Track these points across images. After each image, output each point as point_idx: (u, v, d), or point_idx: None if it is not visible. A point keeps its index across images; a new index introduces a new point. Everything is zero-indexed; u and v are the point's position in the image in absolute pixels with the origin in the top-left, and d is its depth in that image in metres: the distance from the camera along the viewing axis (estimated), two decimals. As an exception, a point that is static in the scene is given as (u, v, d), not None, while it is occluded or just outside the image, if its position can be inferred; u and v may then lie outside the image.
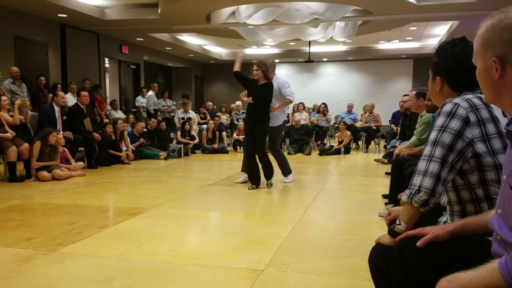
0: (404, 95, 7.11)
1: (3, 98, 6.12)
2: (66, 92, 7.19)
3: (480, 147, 1.36)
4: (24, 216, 3.83)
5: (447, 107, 1.42)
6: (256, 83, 5.20)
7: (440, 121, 1.41)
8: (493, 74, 1.03)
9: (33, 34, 8.60)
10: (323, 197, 4.78)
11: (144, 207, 4.16)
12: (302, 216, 3.85)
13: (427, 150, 1.42)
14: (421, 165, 1.41)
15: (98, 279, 2.40)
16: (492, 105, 1.39)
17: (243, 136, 8.53)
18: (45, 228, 3.40)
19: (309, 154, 9.41)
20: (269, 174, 5.35)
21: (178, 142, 9.35)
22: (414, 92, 4.55)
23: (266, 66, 5.24)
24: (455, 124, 1.38)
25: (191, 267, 2.59)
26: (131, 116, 9.51)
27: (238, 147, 9.89)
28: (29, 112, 6.60)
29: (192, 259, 2.74)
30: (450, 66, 1.52)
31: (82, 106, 7.08)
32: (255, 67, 5.17)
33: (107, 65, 11.56)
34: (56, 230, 3.35)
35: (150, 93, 11.50)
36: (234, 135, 10.25)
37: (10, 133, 5.69)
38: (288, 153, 9.27)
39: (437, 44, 1.90)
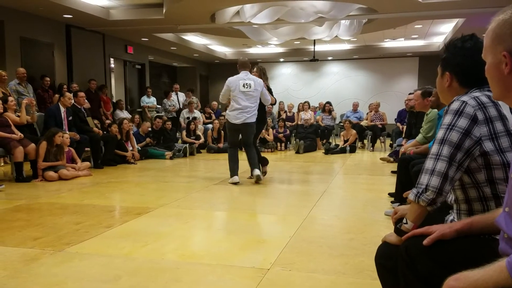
0: (410, 93, 7.08)
1: (10, 98, 6.18)
2: (72, 93, 7.20)
3: (488, 145, 1.35)
4: (31, 216, 3.86)
5: (455, 105, 1.40)
6: None
7: (447, 119, 1.40)
8: (502, 69, 1.02)
9: (39, 35, 8.64)
10: (328, 196, 4.77)
11: (150, 206, 4.17)
12: (308, 215, 3.85)
13: (434, 148, 1.41)
14: (429, 163, 1.40)
15: (104, 278, 2.41)
16: (500, 103, 1.38)
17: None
18: (52, 228, 3.42)
19: (307, 151, 9.41)
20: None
21: (184, 142, 9.36)
22: (419, 92, 4.54)
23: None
24: (462, 122, 1.36)
25: (197, 266, 2.60)
26: (137, 116, 9.54)
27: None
28: (36, 112, 6.63)
29: (198, 258, 2.74)
30: (459, 61, 1.51)
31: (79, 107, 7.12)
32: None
33: (112, 65, 11.60)
34: (62, 229, 3.37)
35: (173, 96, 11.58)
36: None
37: (18, 135, 5.73)
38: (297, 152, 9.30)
39: (446, 41, 1.90)
